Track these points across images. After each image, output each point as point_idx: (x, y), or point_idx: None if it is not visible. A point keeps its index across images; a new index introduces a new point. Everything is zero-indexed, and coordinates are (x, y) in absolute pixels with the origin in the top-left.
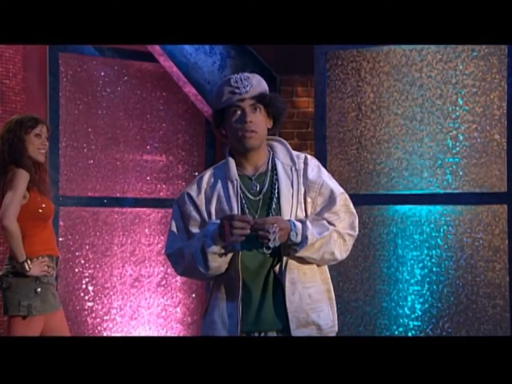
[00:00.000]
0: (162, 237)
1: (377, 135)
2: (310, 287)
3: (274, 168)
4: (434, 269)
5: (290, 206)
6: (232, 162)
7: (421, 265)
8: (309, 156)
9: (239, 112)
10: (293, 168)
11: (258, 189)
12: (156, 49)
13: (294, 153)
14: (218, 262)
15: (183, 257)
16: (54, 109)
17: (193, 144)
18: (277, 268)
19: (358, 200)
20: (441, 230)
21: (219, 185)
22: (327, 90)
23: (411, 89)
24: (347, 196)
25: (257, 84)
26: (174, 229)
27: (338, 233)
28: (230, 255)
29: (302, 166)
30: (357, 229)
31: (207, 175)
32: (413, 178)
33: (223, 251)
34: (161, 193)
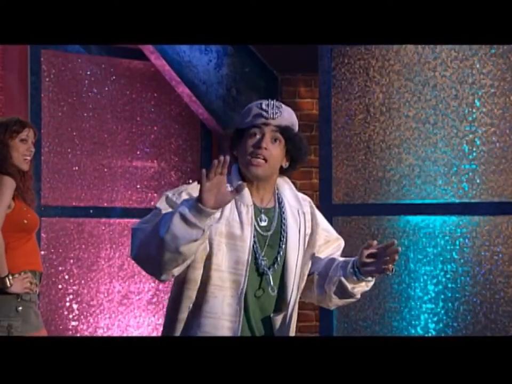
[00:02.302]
0: None
1: (387, 139)
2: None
3: (281, 206)
4: (449, 285)
5: (296, 255)
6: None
7: (434, 281)
8: (309, 198)
9: (258, 136)
10: (300, 211)
11: (266, 224)
12: (146, 46)
13: (298, 194)
14: (180, 230)
15: (146, 228)
16: (36, 111)
17: (187, 149)
18: (279, 317)
19: (366, 210)
20: (457, 242)
21: (229, 206)
22: (333, 90)
23: (424, 90)
24: None
25: (288, 116)
26: (154, 211)
27: None
28: (198, 233)
29: (308, 209)
30: None
31: None
32: (425, 186)
33: (193, 220)
34: (152, 203)
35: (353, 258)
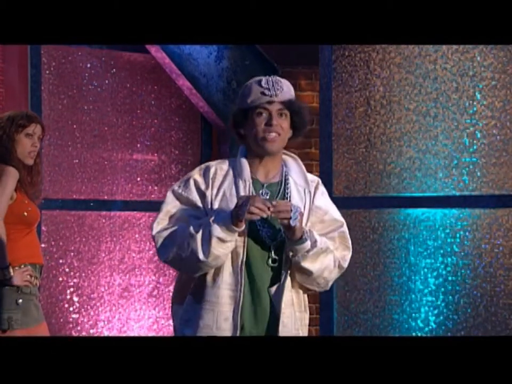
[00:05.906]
0: (153, 243)
1: (387, 132)
2: (300, 312)
3: (286, 183)
4: (449, 278)
5: None
6: (245, 162)
7: (435, 274)
8: (319, 180)
9: (265, 114)
10: (306, 190)
11: (268, 197)
12: None
13: (308, 175)
14: (220, 250)
15: (175, 239)
16: (36, 104)
17: (187, 142)
18: (273, 288)
19: (367, 203)
20: (457, 235)
21: (227, 182)
22: (333, 83)
23: (424, 83)
24: (346, 229)
25: (288, 89)
26: (165, 209)
27: (334, 255)
28: (232, 245)
29: (313, 190)
30: (346, 265)
31: (213, 168)
32: (426, 179)
33: (229, 239)
34: (152, 196)
35: None
